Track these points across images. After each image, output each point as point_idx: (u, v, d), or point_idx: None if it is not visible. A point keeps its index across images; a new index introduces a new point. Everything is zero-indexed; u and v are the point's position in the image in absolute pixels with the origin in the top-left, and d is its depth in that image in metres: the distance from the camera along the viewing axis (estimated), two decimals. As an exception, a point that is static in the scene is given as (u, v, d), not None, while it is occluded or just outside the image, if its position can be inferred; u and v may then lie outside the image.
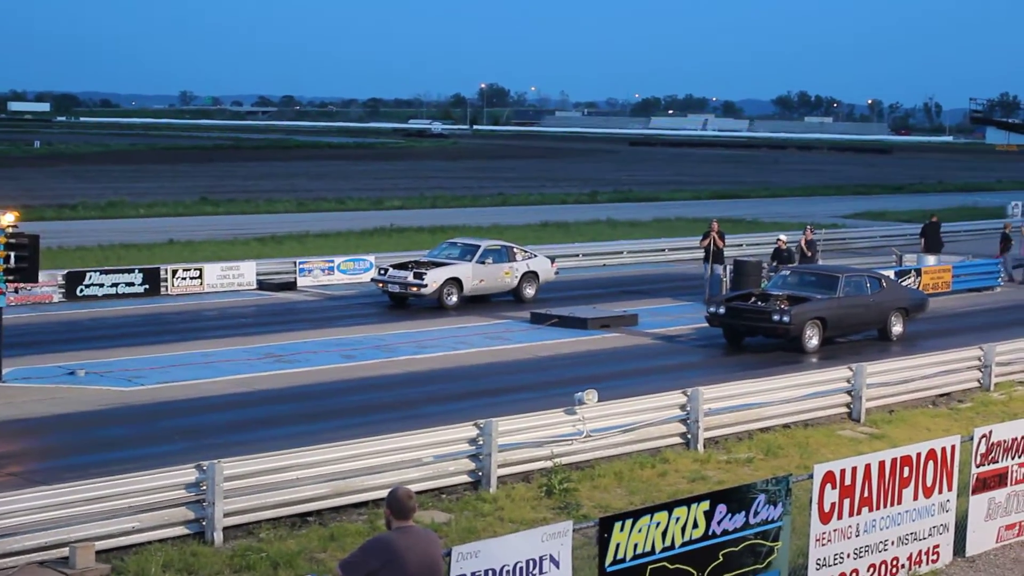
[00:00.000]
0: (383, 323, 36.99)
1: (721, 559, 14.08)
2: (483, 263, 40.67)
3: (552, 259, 43.58)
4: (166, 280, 41.46)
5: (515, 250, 42.20)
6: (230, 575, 15.96)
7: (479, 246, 41.50)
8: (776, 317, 33.03)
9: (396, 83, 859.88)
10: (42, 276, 34.23)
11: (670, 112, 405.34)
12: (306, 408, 26.14)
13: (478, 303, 40.19)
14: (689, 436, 23.05)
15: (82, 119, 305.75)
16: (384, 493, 17.36)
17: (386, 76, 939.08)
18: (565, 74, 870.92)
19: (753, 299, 34.60)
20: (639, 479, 20.90)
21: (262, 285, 43.21)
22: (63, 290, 39.31)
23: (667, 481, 20.86)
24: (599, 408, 22.18)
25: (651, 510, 13.63)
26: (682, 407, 23.07)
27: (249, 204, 77.88)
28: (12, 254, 27.53)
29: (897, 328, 35.61)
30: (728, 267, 42.09)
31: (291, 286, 43.67)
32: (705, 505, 13.93)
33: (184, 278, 41.85)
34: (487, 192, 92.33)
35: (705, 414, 23.16)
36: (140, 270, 41.37)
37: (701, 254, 44.09)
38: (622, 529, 13.14)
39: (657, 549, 13.45)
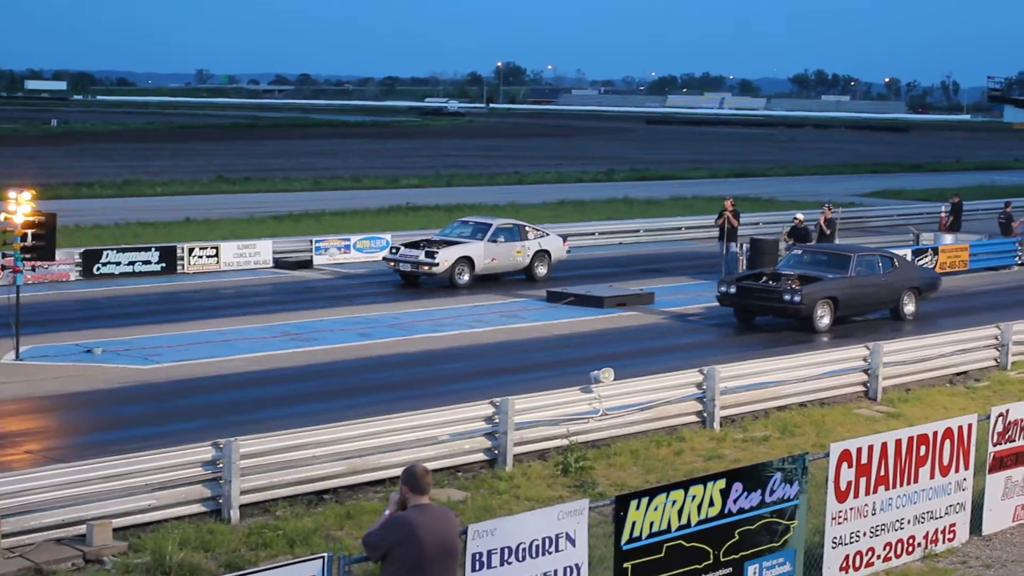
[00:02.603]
0: (399, 301, 36.98)
1: (737, 537, 14.08)
2: (495, 242, 40.56)
3: (564, 238, 43.44)
4: (182, 258, 41.49)
5: (527, 229, 42.08)
6: (246, 552, 15.98)
7: (491, 224, 41.39)
8: (787, 297, 32.80)
9: (412, 61, 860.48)
10: (59, 254, 34.32)
11: (686, 90, 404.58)
12: (322, 386, 26.16)
13: (493, 282, 40.17)
14: (705, 414, 23.05)
15: (99, 98, 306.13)
16: (400, 471, 17.49)
17: (402, 54, 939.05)
18: (581, 52, 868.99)
19: (764, 278, 34.26)
20: (655, 457, 20.90)
21: (278, 263, 43.23)
22: (80, 268, 39.35)
23: (683, 459, 20.86)
24: (615, 386, 22.18)
25: (667, 488, 13.63)
26: (698, 385, 23.06)
27: (265, 183, 77.88)
28: (29, 232, 27.61)
29: (910, 308, 35.33)
30: (745, 246, 41.97)
31: (307, 264, 43.68)
32: (721, 483, 13.92)
33: (200, 256, 41.88)
34: (503, 171, 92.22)
35: (721, 392, 23.15)
36: (157, 248, 41.41)
37: (717, 232, 44.01)
38: (638, 507, 13.14)
39: (673, 527, 13.45)
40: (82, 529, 16.03)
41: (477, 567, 11.99)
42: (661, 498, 13.39)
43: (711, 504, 13.80)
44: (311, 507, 18.00)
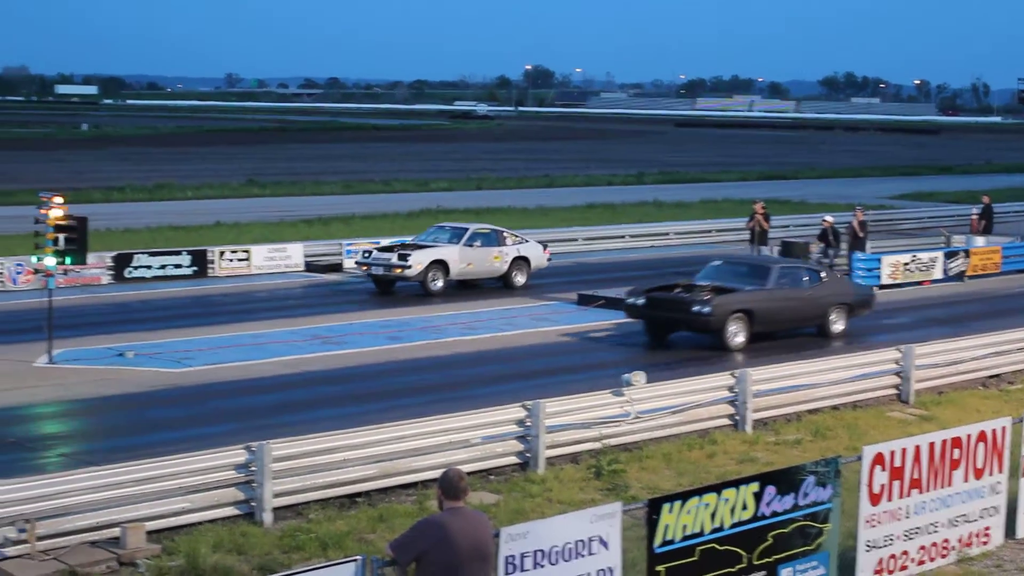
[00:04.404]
0: (430, 305, 36.97)
1: (770, 541, 14.03)
2: (471, 246, 39.48)
3: (545, 245, 42.23)
4: (214, 262, 41.62)
5: (505, 234, 40.94)
6: (279, 555, 16.00)
7: (467, 229, 40.28)
8: (696, 308, 30.44)
9: (441, 65, 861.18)
10: (91, 258, 34.41)
11: (715, 93, 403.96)
12: (354, 389, 26.22)
13: (523, 289, 40.11)
14: (737, 417, 22.99)
15: (129, 102, 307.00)
16: (433, 474, 17.49)
17: (431, 58, 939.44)
18: (610, 56, 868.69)
19: (678, 289, 32.11)
20: (687, 460, 20.87)
21: (309, 267, 43.32)
22: (112, 272, 39.52)
23: (715, 463, 20.82)
24: (647, 389, 22.19)
25: (700, 491, 13.59)
26: (730, 388, 23.01)
27: (295, 186, 78.05)
28: (61, 236, 27.72)
29: (838, 326, 32.99)
30: (776, 248, 41.87)
31: (338, 268, 43.71)
32: (754, 487, 13.88)
33: (232, 260, 42.01)
34: (533, 174, 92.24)
35: (753, 395, 23.10)
36: (188, 252, 41.56)
37: (747, 235, 43.89)
38: (671, 510, 13.10)
39: (706, 530, 13.41)
40: (116, 532, 16.08)
41: (510, 570, 11.96)
42: (694, 501, 13.35)
43: (744, 507, 13.76)
44: (343, 510, 18.00)
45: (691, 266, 45.77)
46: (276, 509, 17.60)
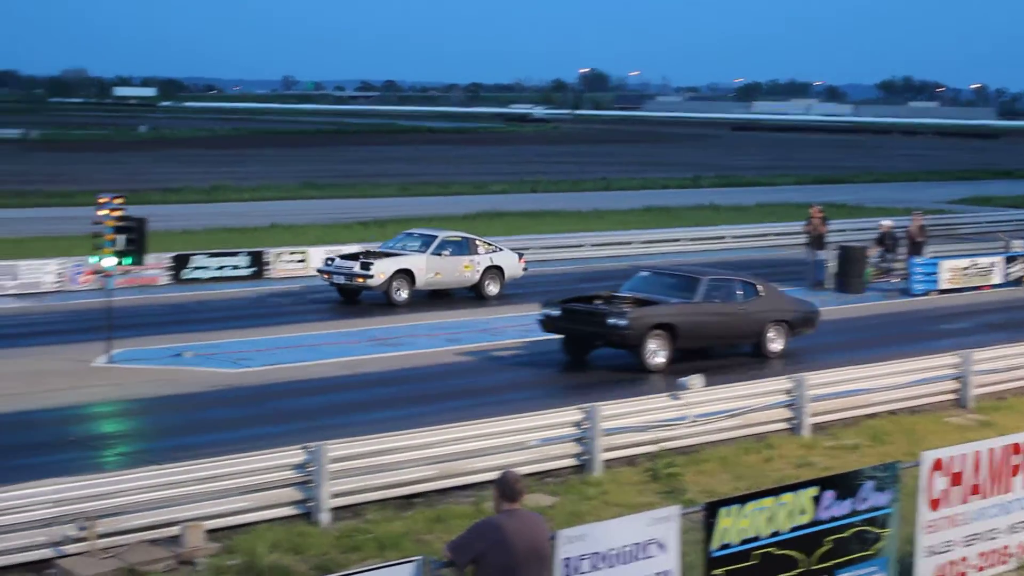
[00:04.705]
0: (488, 307, 37.03)
1: (828, 545, 13.97)
2: (439, 255, 37.63)
3: (520, 254, 40.38)
4: (270, 263, 41.79)
5: (477, 243, 39.10)
6: (337, 555, 16.05)
7: (436, 237, 38.47)
8: (611, 321, 28.03)
9: (497, 68, 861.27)
10: (149, 259, 34.62)
11: (772, 97, 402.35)
12: (411, 391, 26.26)
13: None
14: (795, 422, 22.91)
15: (186, 104, 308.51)
16: (490, 476, 17.49)
17: (487, 61, 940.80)
18: (666, 59, 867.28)
19: (598, 301, 29.83)
20: (744, 464, 20.80)
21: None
22: (170, 272, 39.76)
23: (773, 467, 20.75)
24: (704, 393, 22.14)
25: (758, 495, 13.56)
26: (788, 392, 22.93)
27: (352, 188, 78.30)
28: (120, 237, 27.92)
29: (775, 345, 30.46)
30: (834, 253, 41.67)
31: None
32: (812, 491, 13.83)
33: (289, 261, 42.18)
34: (589, 177, 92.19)
35: (811, 400, 23.01)
36: (246, 253, 41.76)
37: (804, 239, 43.70)
38: (729, 514, 13.08)
39: (764, 535, 13.37)
40: (175, 531, 16.17)
41: (567, 572, 11.96)
42: (752, 505, 13.32)
43: (802, 512, 13.71)
44: (401, 511, 18.04)
45: (749, 269, 45.71)
46: (333, 509, 17.66)
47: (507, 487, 11.16)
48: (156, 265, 39.09)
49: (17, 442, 21.74)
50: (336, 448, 17.88)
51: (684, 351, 28.84)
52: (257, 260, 41.58)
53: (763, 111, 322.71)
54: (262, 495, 17.35)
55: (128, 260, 28.64)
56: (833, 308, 37.40)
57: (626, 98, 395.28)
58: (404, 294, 36.69)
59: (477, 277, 38.51)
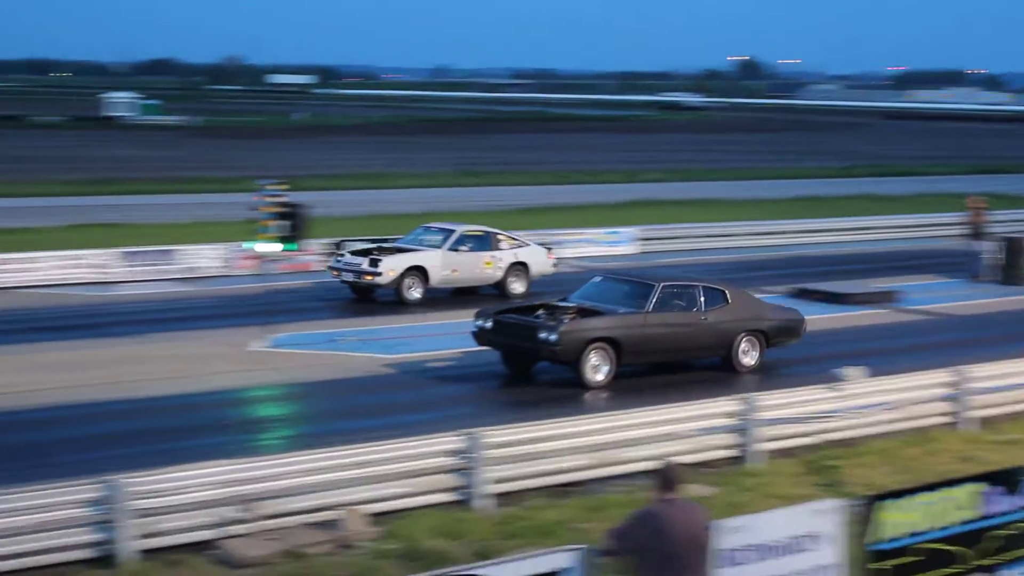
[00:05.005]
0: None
1: (991, 541, 13.75)
2: (456, 251, 35.36)
3: (549, 248, 38.00)
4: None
5: (500, 237, 36.56)
6: (496, 542, 16.08)
7: (454, 231, 36.12)
8: (542, 336, 25.01)
9: (649, 56, 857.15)
10: (308, 244, 34.94)
11: (928, 85, 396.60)
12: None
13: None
14: (958, 415, 22.52)
15: (338, 91, 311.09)
16: (646, 465, 17.49)
17: (639, 49, 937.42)
18: (821, 47, 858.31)
19: (540, 311, 26.71)
20: (905, 457, 20.50)
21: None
22: (328, 258, 40.07)
23: (935, 460, 20.42)
24: (863, 385, 21.88)
25: (920, 489, 13.40)
26: (950, 385, 22.55)
27: (503, 176, 78.55)
28: (280, 222, 28.29)
29: (747, 359, 27.33)
30: (995, 244, 40.91)
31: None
32: (976, 486, 13.62)
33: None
34: (742, 165, 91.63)
35: (975, 393, 22.61)
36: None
37: (963, 230, 42.99)
38: (890, 508, 12.93)
39: (924, 529, 13.20)
40: (336, 514, 16.33)
41: (727, 563, 11.92)
42: (913, 499, 13.15)
43: (966, 507, 13.51)
44: (557, 499, 18.05)
45: (905, 260, 45.34)
46: (491, 496, 17.73)
47: (667, 477, 11.18)
48: (314, 250, 39.44)
49: (180, 425, 22.15)
50: (493, 435, 17.96)
51: (638, 365, 26.57)
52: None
53: (922, 100, 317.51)
54: (420, 480, 17.47)
55: (291, 246, 29.02)
56: (995, 300, 37.01)
57: (780, 86, 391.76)
58: (417, 292, 34.61)
59: (500, 274, 36.18)
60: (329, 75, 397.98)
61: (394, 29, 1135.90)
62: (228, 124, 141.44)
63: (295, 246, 29.36)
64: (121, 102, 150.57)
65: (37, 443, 20.95)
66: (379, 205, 56.93)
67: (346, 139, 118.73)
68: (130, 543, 15.33)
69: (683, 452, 19.36)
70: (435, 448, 17.67)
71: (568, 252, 43.71)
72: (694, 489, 18.10)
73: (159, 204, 60.05)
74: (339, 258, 35.54)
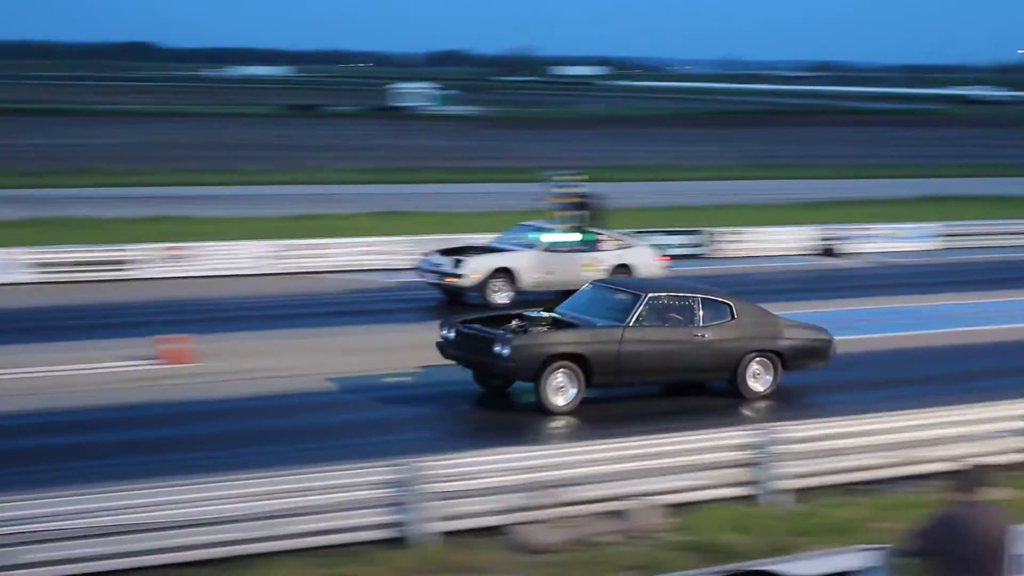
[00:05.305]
0: (941, 293, 36.09)
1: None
2: (552, 251, 32.93)
3: (660, 249, 35.85)
4: (710, 243, 42.54)
5: (603, 238, 33.67)
6: (787, 537, 15.98)
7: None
8: (496, 349, 21.90)
9: (940, 48, 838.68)
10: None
11: None
12: (864, 375, 26.00)
13: None
14: None
15: (624, 83, 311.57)
16: (942, 466, 17.23)
17: (925, 42, 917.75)
18: None
19: (515, 321, 23.31)
20: None
21: (807, 251, 43.24)
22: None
23: None
24: None
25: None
26: None
27: (790, 169, 77.95)
28: (580, 212, 28.57)
29: (757, 385, 23.66)
30: None
31: (830, 252, 43.53)
32: None
33: (733, 242, 42.48)
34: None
35: None
36: (692, 231, 42.52)
37: None
38: None
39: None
40: (625, 504, 16.45)
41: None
42: None
43: None
44: (850, 496, 17.86)
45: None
46: (782, 491, 17.65)
47: (971, 479, 10.99)
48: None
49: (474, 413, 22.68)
50: (786, 430, 17.92)
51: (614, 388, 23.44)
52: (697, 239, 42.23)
53: None
54: (710, 474, 17.50)
55: (589, 236, 29.30)
56: None
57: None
58: (503, 296, 32.25)
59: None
60: (620, 67, 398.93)
61: (680, 21, 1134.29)
62: (518, 116, 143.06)
63: (592, 236, 29.56)
64: (415, 92, 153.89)
65: (346, 423, 21.70)
66: (667, 197, 56.96)
67: (636, 131, 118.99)
68: (424, 525, 15.66)
69: (981, 454, 18.92)
70: (726, 442, 17.70)
71: (856, 247, 43.19)
72: (994, 492, 17.75)
73: (452, 193, 61.27)
74: (425, 258, 33.55)
